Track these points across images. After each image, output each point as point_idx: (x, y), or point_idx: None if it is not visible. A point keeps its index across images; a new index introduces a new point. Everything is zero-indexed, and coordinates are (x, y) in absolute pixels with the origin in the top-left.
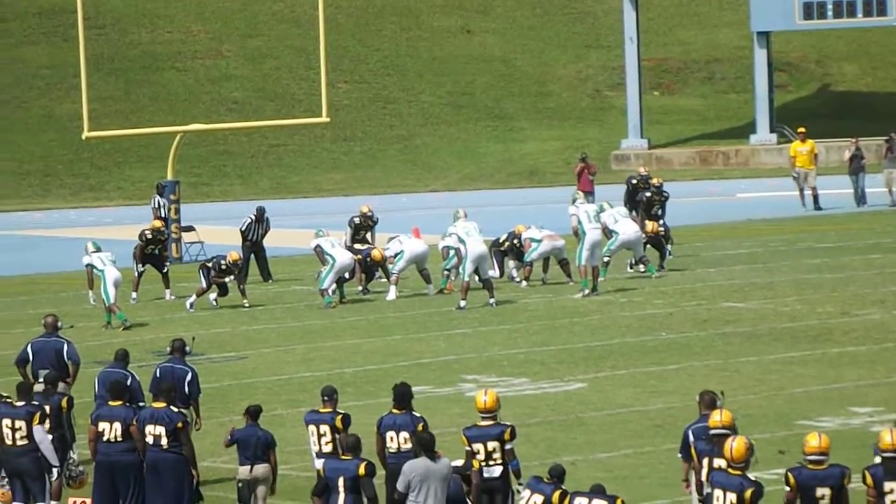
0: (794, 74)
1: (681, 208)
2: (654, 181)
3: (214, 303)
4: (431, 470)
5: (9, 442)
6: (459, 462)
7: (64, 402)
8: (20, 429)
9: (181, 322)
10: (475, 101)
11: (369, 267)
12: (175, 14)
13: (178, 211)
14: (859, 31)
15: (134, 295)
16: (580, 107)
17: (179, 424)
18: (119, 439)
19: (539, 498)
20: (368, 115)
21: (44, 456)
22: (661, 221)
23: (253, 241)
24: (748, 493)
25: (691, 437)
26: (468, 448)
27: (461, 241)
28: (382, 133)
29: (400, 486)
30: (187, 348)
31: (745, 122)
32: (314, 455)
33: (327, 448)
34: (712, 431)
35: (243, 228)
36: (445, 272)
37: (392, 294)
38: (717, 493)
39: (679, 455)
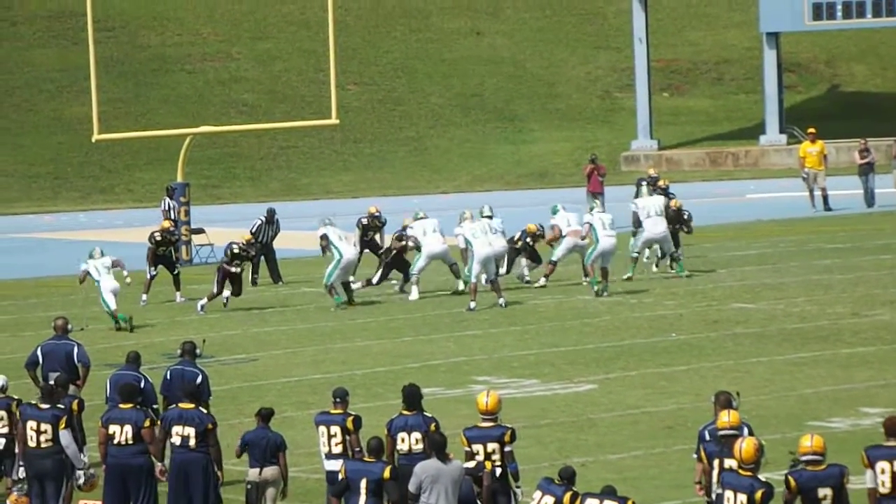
0: (803, 75)
1: (690, 209)
2: (662, 183)
3: (226, 300)
4: (443, 471)
5: (33, 444)
6: (472, 464)
7: (74, 405)
8: (45, 431)
9: (191, 324)
10: (484, 103)
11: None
12: (185, 16)
13: (188, 213)
14: (869, 32)
15: (144, 297)
16: (590, 108)
17: (210, 426)
18: (130, 442)
19: (550, 499)
20: (378, 117)
21: (68, 459)
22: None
23: (263, 242)
24: (759, 495)
25: (707, 438)
26: (468, 449)
27: (468, 242)
28: (392, 135)
29: (411, 486)
30: (197, 351)
31: (755, 123)
32: (324, 457)
33: (337, 449)
34: (721, 432)
35: (254, 230)
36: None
37: (414, 294)
38: (728, 493)
39: (694, 456)
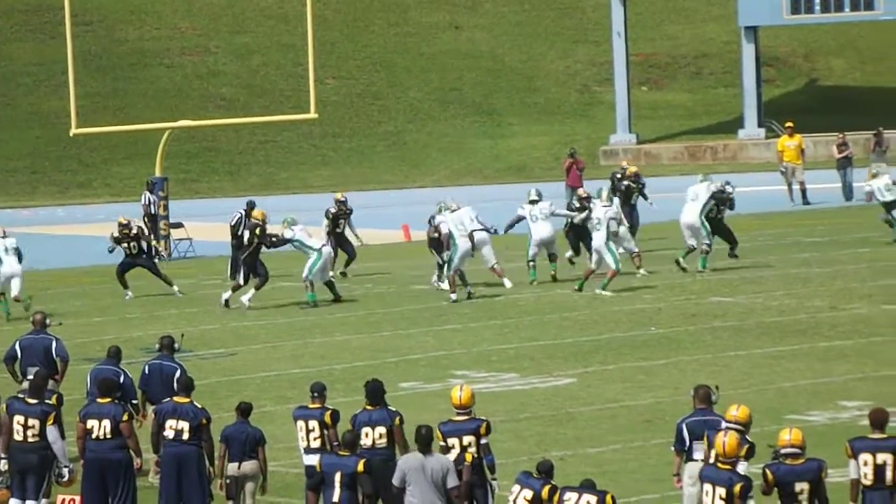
0: (781, 69)
1: (669, 204)
2: (630, 170)
3: (248, 303)
4: (426, 465)
5: (19, 438)
6: (451, 457)
7: (53, 400)
8: (33, 427)
9: (169, 319)
10: (463, 97)
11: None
12: (163, 10)
13: (166, 207)
14: (847, 26)
15: (129, 294)
16: (568, 102)
17: (204, 421)
18: (108, 437)
19: (528, 493)
20: (356, 112)
21: (52, 454)
22: (635, 213)
23: (242, 236)
24: (737, 488)
25: (685, 431)
26: (443, 443)
27: (451, 234)
28: (370, 129)
29: (395, 480)
30: (176, 345)
31: (733, 117)
32: (302, 451)
33: (315, 444)
34: (727, 425)
35: (233, 223)
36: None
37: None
38: (707, 487)
39: (672, 449)
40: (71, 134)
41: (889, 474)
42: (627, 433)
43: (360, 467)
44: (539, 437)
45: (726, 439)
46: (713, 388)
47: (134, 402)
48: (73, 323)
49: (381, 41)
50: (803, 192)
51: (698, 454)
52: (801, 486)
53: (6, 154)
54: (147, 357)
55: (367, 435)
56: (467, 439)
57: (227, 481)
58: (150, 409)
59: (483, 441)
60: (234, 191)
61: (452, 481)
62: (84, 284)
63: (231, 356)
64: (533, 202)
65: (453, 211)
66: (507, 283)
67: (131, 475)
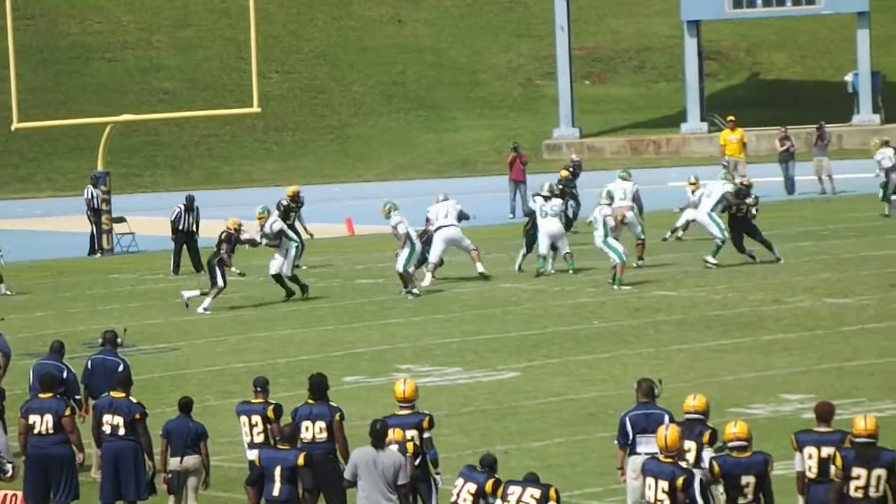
0: (724, 63)
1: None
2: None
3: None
4: (378, 459)
5: None
6: (394, 448)
7: None
8: None
9: (112, 314)
10: (407, 91)
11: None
12: (105, 5)
13: (108, 202)
14: (788, 20)
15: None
16: (512, 96)
17: (137, 416)
18: (50, 432)
19: (472, 487)
20: (300, 105)
21: None
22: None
23: (183, 230)
24: (680, 481)
25: (628, 425)
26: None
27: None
28: (314, 123)
29: (347, 474)
30: (119, 340)
31: (676, 111)
32: (246, 446)
33: (259, 438)
34: (687, 416)
35: (173, 218)
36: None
37: (427, 280)
38: (650, 480)
39: (616, 443)
40: (12, 128)
41: (833, 468)
42: (571, 427)
43: (301, 461)
44: (483, 431)
45: (667, 433)
46: (656, 382)
47: (77, 397)
48: (16, 318)
49: (323, 35)
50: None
51: (642, 447)
52: (748, 479)
53: None
54: (90, 352)
55: (307, 429)
56: (410, 433)
57: (170, 476)
58: (93, 403)
59: (426, 435)
60: (177, 185)
61: (404, 478)
62: (25, 280)
63: (174, 351)
64: (546, 198)
65: (439, 202)
66: (480, 267)
67: (73, 470)
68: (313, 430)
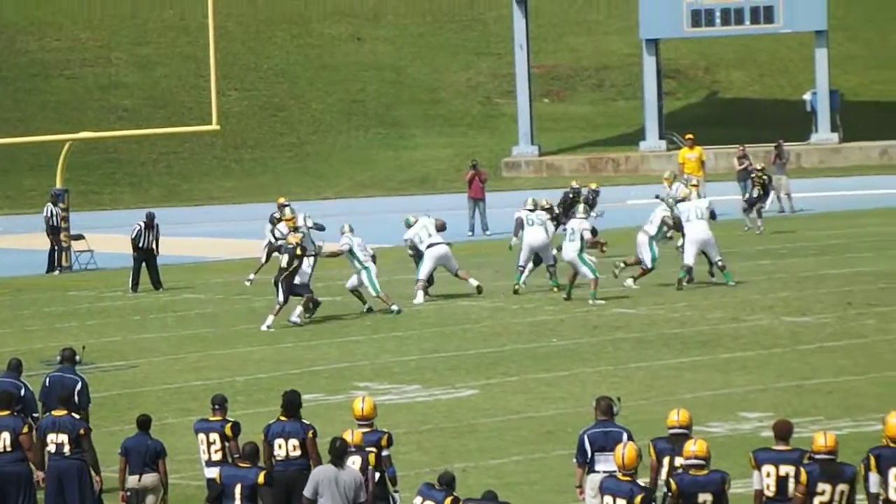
0: (682, 81)
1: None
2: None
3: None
4: (339, 478)
5: None
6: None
7: None
8: None
9: (70, 331)
10: (366, 109)
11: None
12: (63, 22)
13: (67, 220)
14: (747, 39)
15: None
16: (471, 114)
17: (82, 431)
18: (8, 450)
19: None
20: (259, 123)
21: None
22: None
23: (143, 248)
24: (638, 499)
25: (587, 442)
26: None
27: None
28: (273, 140)
29: (307, 492)
30: (77, 357)
31: (635, 129)
32: (204, 463)
33: (217, 456)
34: (671, 431)
35: (134, 236)
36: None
37: (419, 298)
38: (608, 499)
39: (574, 461)
40: None
41: (791, 486)
42: (529, 445)
43: (261, 479)
44: (442, 449)
45: (625, 451)
46: (615, 400)
47: (35, 415)
48: None
49: (283, 53)
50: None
51: (600, 465)
52: (705, 498)
53: None
54: (48, 369)
55: (280, 446)
56: (368, 451)
57: (128, 494)
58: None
59: (384, 453)
60: (136, 202)
61: (364, 496)
62: None
63: (132, 368)
64: (531, 210)
65: (411, 225)
66: (473, 283)
67: (31, 488)
68: (287, 448)
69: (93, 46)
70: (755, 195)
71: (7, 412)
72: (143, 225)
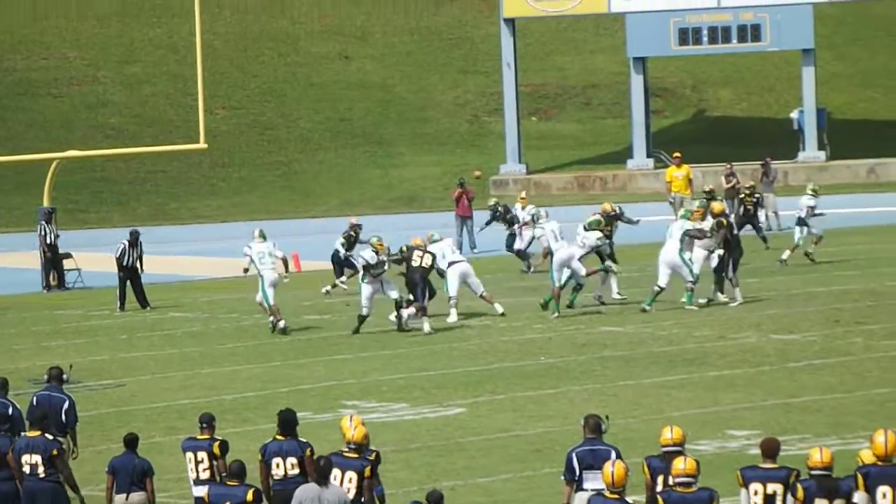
0: (670, 100)
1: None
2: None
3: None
4: (322, 497)
5: None
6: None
7: None
8: None
9: (58, 350)
10: (354, 127)
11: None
12: (51, 41)
13: (57, 237)
14: (734, 57)
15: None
16: (459, 132)
17: (55, 452)
18: None
19: None
20: (247, 142)
21: None
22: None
23: (128, 266)
24: None
25: (575, 461)
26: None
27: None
28: (261, 159)
29: None
30: (65, 376)
31: (622, 148)
32: (192, 482)
33: (205, 475)
34: (664, 449)
35: (118, 255)
36: None
37: (453, 317)
38: None
39: (562, 478)
40: None
41: (792, 499)
42: (517, 463)
43: (250, 497)
44: (429, 467)
45: (613, 469)
46: (603, 418)
47: (22, 433)
48: None
49: (270, 71)
50: None
51: (588, 483)
52: None
53: None
54: (35, 388)
55: (278, 465)
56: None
57: None
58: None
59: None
60: (123, 221)
61: None
62: None
63: (120, 387)
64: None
65: (433, 242)
66: (498, 308)
67: None
68: (285, 467)
69: (80, 65)
70: (741, 213)
71: None
72: (127, 243)
